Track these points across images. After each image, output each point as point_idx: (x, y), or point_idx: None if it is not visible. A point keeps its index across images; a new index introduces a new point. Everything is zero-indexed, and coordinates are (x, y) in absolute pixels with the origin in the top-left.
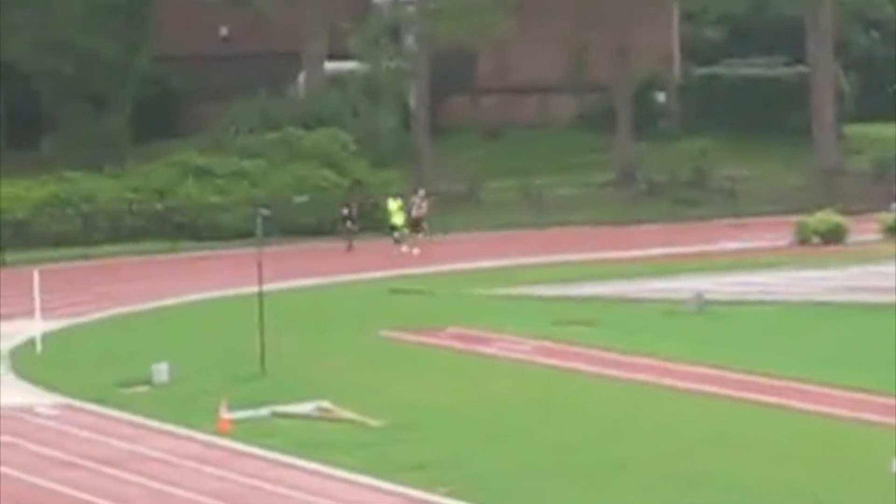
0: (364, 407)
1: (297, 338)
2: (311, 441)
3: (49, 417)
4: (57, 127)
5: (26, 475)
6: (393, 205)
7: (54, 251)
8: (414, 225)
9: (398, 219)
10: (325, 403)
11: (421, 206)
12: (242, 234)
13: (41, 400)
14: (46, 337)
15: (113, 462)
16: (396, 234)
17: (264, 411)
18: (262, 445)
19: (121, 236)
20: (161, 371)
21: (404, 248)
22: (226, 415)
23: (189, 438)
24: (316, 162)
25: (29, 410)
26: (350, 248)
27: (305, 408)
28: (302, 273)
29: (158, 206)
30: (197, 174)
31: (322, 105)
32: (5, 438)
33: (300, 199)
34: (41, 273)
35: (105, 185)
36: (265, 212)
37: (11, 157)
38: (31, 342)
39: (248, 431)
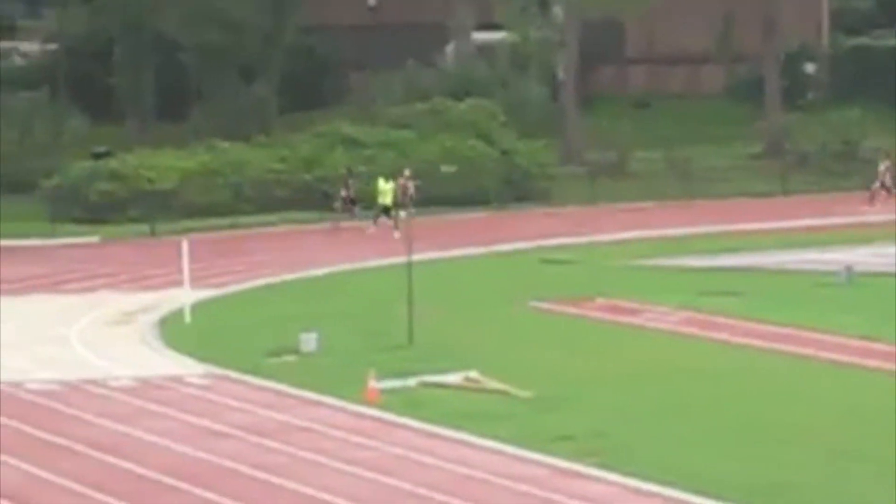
0: (513, 377)
1: (446, 308)
2: (459, 411)
3: (199, 387)
4: (205, 97)
5: (177, 444)
6: (384, 185)
7: (203, 221)
8: (400, 206)
9: (387, 199)
10: (474, 374)
11: (408, 187)
12: (391, 204)
13: (191, 370)
14: (195, 307)
15: (262, 432)
16: (393, 215)
17: (413, 381)
18: (410, 415)
19: (269, 206)
20: (309, 340)
21: (370, 231)
22: (374, 385)
23: (337, 408)
24: (464, 132)
25: (179, 380)
26: (337, 228)
27: (454, 378)
28: (450, 243)
29: (306, 176)
30: (345, 144)
31: (470, 75)
32: (157, 408)
33: (448, 168)
34: (190, 243)
35: (253, 155)
36: (414, 182)
37: (161, 128)
38: (181, 312)
39: (396, 401)
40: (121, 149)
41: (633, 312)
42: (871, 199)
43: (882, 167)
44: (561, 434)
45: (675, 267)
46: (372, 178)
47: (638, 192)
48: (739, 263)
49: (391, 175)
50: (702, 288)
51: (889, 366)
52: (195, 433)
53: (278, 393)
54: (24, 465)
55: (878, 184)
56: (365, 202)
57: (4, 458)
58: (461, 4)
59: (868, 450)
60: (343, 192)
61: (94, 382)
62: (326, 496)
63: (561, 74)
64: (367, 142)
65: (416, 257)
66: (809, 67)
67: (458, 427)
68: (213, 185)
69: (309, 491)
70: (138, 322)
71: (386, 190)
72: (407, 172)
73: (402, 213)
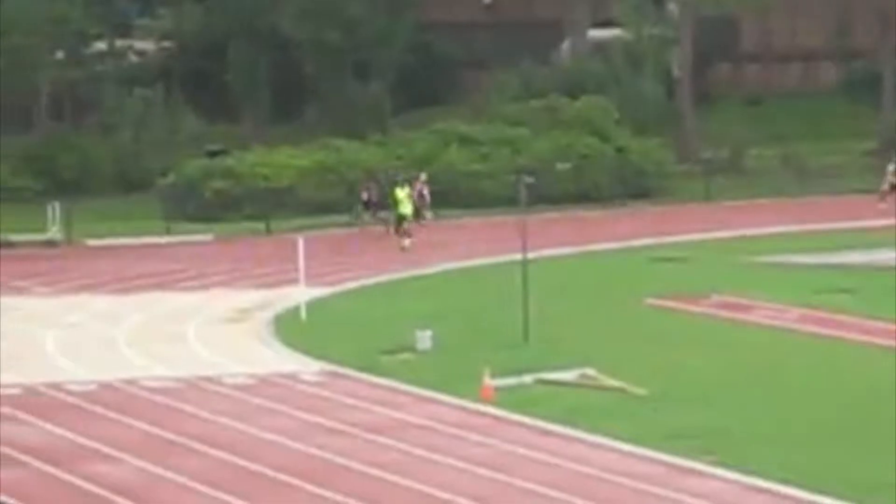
0: (628, 374)
1: (561, 305)
2: (575, 408)
3: (314, 384)
4: (320, 95)
5: (291, 441)
6: (401, 193)
7: (318, 219)
8: (414, 213)
9: (406, 208)
10: (590, 371)
11: (423, 193)
12: (505, 202)
13: (306, 367)
14: (311, 304)
15: (376, 429)
16: (405, 225)
17: (528, 378)
18: (525, 413)
19: (384, 204)
20: (424, 338)
21: (407, 243)
22: (489, 382)
23: (453, 406)
24: (579, 129)
25: (294, 377)
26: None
27: (569, 375)
28: (565, 240)
29: (422, 173)
30: (461, 142)
31: (585, 73)
32: (272, 405)
33: (563, 166)
34: (305, 241)
35: (369, 152)
36: (529, 179)
37: (276, 126)
38: (296, 309)
39: (511, 399)
40: (235, 147)
41: (747, 309)
42: (883, 198)
43: (892, 167)
44: (677, 431)
45: (789, 264)
46: (390, 185)
47: (753, 190)
48: (854, 261)
49: (408, 181)
50: (817, 285)
51: None
52: (310, 430)
53: (393, 390)
54: (140, 462)
55: (886, 185)
56: (386, 207)
57: (121, 454)
58: (577, 2)
59: None
60: (365, 196)
61: (209, 380)
62: (442, 493)
63: (676, 71)
64: (482, 139)
65: (531, 255)
66: None
67: (573, 424)
68: (328, 183)
69: (424, 488)
70: (254, 319)
71: (403, 198)
72: (423, 177)
73: (424, 219)
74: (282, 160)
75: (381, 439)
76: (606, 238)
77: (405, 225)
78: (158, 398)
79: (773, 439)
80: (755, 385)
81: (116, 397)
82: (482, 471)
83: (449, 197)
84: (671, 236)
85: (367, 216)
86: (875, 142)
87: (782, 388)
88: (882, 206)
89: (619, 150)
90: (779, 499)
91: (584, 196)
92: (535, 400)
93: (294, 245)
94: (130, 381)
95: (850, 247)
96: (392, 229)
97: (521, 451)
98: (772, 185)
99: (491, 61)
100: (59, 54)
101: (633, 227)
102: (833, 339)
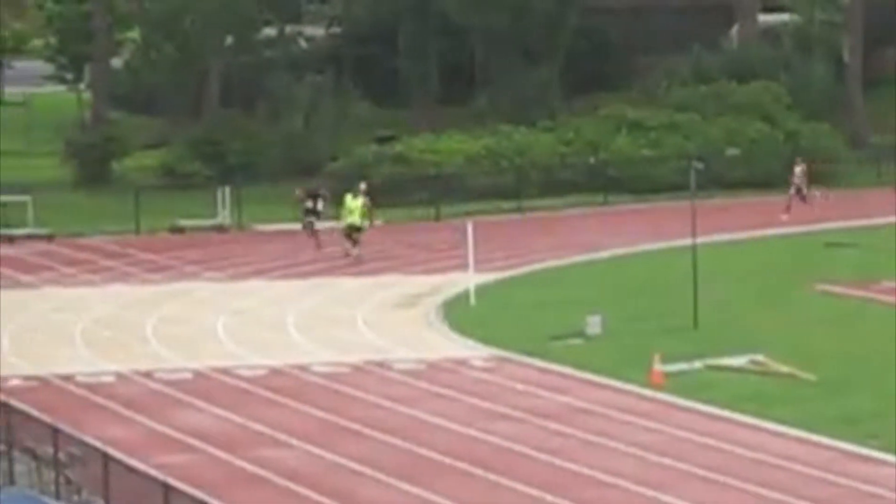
0: (798, 360)
1: (731, 290)
2: (744, 394)
3: (483, 370)
4: (490, 81)
5: (460, 427)
6: (352, 203)
7: (487, 204)
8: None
9: (356, 219)
10: (760, 356)
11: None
12: (675, 187)
13: (475, 352)
14: (480, 289)
15: (545, 414)
16: (356, 235)
17: (698, 364)
18: (695, 398)
19: (553, 189)
20: (594, 323)
21: (355, 252)
22: (659, 367)
23: (622, 391)
24: (748, 115)
25: (463, 363)
26: (312, 236)
27: (739, 361)
28: (735, 226)
29: (591, 159)
30: (630, 127)
31: (755, 58)
32: (441, 391)
33: (732, 151)
34: (475, 226)
35: (538, 138)
36: (698, 164)
37: (446, 111)
38: (465, 295)
39: (681, 384)
40: (404, 132)
41: None
42: (788, 208)
43: (797, 170)
44: (846, 416)
45: None
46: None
47: None
48: None
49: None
50: None
51: None
52: (480, 416)
53: (563, 376)
54: (310, 447)
55: (793, 190)
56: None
57: (291, 439)
58: None
59: None
60: (309, 204)
61: (379, 365)
62: (610, 478)
63: (846, 56)
64: (651, 125)
65: (701, 240)
66: None
67: (742, 410)
68: (497, 169)
69: (593, 473)
70: (423, 305)
71: (354, 207)
72: (363, 187)
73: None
74: (450, 146)
75: (551, 424)
76: (777, 223)
77: (357, 235)
78: (328, 383)
79: None
80: None
81: (286, 382)
82: (651, 456)
83: (618, 183)
84: (843, 222)
85: (309, 222)
86: None
87: None
88: (786, 217)
89: (790, 135)
90: None
91: (754, 181)
92: (704, 385)
93: (463, 230)
94: (300, 367)
95: None
96: (312, 235)
97: (690, 436)
98: None
99: (660, 46)
100: (229, 40)
101: (803, 213)
102: None
